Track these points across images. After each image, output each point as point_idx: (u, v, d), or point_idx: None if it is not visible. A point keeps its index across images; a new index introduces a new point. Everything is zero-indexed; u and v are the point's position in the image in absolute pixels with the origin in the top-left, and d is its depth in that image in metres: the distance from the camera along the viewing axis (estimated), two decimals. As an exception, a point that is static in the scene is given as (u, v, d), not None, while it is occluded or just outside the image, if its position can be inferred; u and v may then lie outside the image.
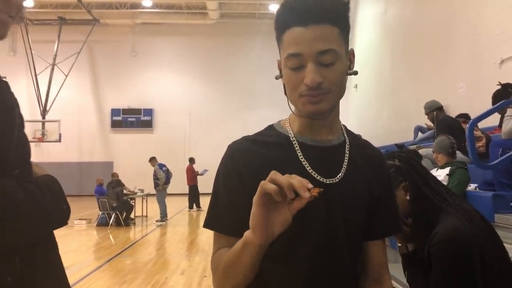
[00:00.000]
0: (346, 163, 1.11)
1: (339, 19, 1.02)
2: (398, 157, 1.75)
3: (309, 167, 1.07)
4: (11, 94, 1.05)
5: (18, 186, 0.90)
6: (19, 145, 0.99)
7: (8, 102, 1.01)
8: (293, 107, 1.11)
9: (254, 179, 0.96)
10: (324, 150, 1.11)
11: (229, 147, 1.15)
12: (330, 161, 1.10)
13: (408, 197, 1.69)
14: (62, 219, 1.04)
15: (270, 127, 1.19)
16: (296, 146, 1.10)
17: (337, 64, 1.01)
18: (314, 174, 1.07)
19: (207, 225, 1.13)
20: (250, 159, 1.09)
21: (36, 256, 0.99)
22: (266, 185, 0.86)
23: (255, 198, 0.89)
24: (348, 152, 1.14)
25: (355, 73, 1.09)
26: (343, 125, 1.20)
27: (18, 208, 0.87)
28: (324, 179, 1.07)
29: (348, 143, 1.15)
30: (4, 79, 1.05)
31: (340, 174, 1.09)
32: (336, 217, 1.06)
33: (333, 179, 1.08)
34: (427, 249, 1.56)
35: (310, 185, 0.86)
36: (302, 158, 1.08)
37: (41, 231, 0.96)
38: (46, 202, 0.96)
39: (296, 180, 0.86)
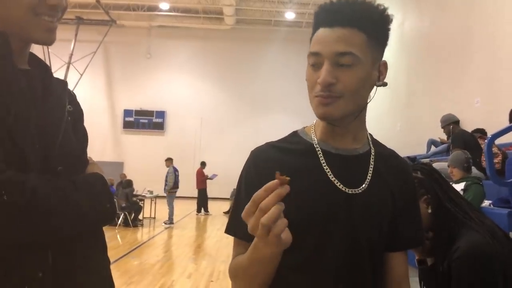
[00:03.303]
0: (370, 174, 1.09)
1: (369, 25, 1.00)
2: (420, 170, 1.72)
3: (332, 176, 1.05)
4: (67, 92, 1.09)
5: (42, 180, 0.89)
6: (65, 142, 1.00)
7: (61, 100, 1.04)
8: None
9: None
10: (349, 159, 1.08)
11: (252, 153, 1.13)
12: (354, 171, 1.08)
13: (429, 210, 1.66)
14: (105, 217, 1.03)
15: (295, 134, 1.17)
16: (320, 155, 1.08)
17: (355, 68, 0.99)
18: (338, 183, 1.05)
19: (227, 230, 1.11)
20: (273, 167, 1.06)
21: (75, 252, 0.98)
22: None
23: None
24: (373, 162, 1.11)
25: (385, 84, 1.08)
26: (369, 133, 1.17)
27: (38, 201, 0.86)
28: (347, 189, 1.04)
29: (373, 152, 1.13)
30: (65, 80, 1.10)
31: (364, 184, 1.06)
32: (359, 228, 1.04)
33: (357, 189, 1.05)
34: (447, 263, 1.53)
35: (273, 183, 0.85)
36: (325, 167, 1.06)
37: (71, 226, 0.94)
38: (80, 198, 0.95)
39: (260, 192, 0.86)
